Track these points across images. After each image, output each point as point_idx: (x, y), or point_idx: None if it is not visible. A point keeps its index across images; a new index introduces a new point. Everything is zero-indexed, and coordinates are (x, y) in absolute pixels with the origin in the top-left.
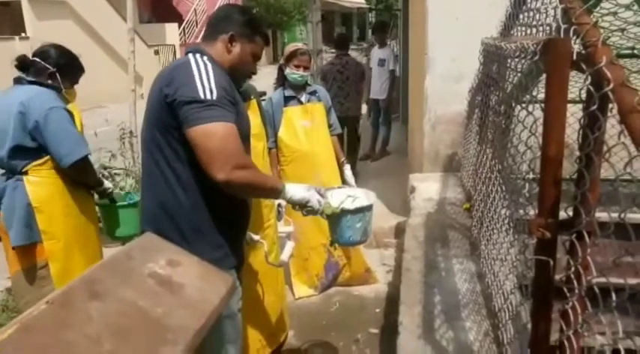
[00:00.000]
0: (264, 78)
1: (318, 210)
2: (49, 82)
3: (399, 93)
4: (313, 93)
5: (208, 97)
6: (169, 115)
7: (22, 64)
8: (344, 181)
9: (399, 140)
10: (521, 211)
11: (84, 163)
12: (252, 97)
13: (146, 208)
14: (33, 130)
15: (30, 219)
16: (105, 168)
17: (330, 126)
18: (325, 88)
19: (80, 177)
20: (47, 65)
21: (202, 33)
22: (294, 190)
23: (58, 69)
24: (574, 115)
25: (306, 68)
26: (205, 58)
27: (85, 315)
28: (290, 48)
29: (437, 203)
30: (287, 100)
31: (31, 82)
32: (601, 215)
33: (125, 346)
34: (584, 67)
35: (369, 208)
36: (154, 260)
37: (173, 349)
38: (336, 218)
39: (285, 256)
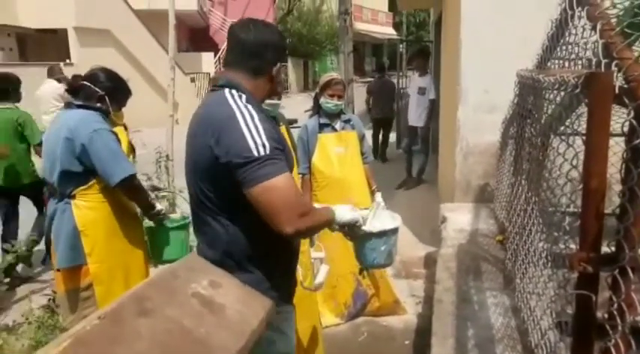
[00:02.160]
0: (295, 106)
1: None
2: (98, 105)
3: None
4: (347, 121)
5: (262, 152)
6: (224, 173)
7: (72, 87)
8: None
9: (431, 169)
10: (561, 245)
11: (132, 182)
12: (281, 124)
13: (210, 259)
14: (80, 154)
15: (76, 242)
16: (154, 189)
17: (363, 154)
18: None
19: (131, 197)
20: (97, 89)
21: (231, 56)
22: (341, 213)
23: (106, 92)
24: (611, 148)
25: (340, 97)
26: (244, 98)
27: (134, 331)
28: (325, 78)
29: (469, 234)
30: (322, 127)
31: (79, 106)
32: None
33: None
34: (626, 101)
35: (393, 231)
36: (198, 281)
37: None
38: (359, 241)
39: (320, 278)
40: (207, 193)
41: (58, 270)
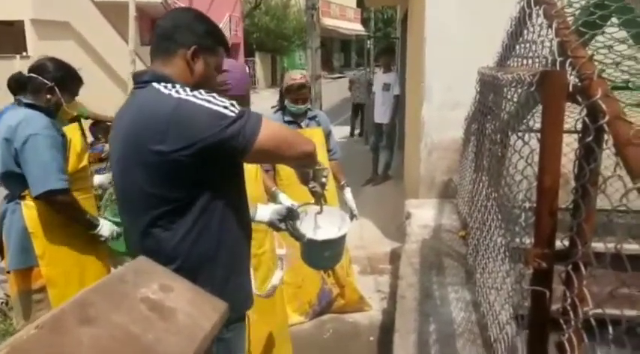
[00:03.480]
0: (262, 101)
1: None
2: (48, 96)
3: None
4: (313, 118)
5: (235, 110)
6: (182, 171)
7: (18, 82)
8: (345, 204)
9: (397, 165)
10: (517, 240)
11: (54, 197)
12: None
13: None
14: (16, 157)
15: (26, 243)
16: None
17: (329, 151)
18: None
19: (56, 212)
20: (44, 80)
21: (152, 46)
22: (260, 214)
23: (56, 83)
24: (569, 144)
25: (305, 101)
26: (178, 86)
27: (76, 340)
28: (288, 81)
29: (432, 230)
30: (286, 124)
31: (26, 105)
32: (597, 245)
33: None
34: (579, 99)
35: (338, 240)
36: (147, 285)
37: None
38: (304, 246)
39: (274, 281)
40: (160, 200)
41: (8, 272)
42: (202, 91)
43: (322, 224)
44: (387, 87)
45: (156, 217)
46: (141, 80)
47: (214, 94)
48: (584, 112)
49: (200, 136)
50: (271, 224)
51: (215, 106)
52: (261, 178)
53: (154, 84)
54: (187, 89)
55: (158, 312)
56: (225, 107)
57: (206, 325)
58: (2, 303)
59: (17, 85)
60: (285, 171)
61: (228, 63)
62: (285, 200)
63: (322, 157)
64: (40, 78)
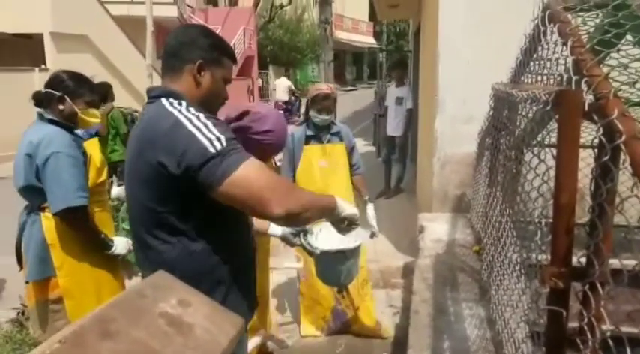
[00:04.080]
0: None
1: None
2: (60, 107)
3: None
4: (336, 134)
5: (219, 147)
6: (177, 187)
7: (37, 99)
8: (366, 220)
9: (410, 179)
10: (533, 257)
11: (71, 215)
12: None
13: None
14: (37, 172)
15: (45, 254)
16: None
17: (352, 166)
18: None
19: (72, 230)
20: (54, 91)
21: (162, 63)
22: (344, 204)
23: (66, 92)
24: (583, 159)
25: (329, 112)
26: (184, 104)
27: None
28: (312, 91)
29: (446, 244)
30: (308, 139)
31: (49, 121)
32: (613, 262)
33: None
34: (595, 117)
35: (352, 251)
36: (166, 299)
37: None
38: (317, 258)
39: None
40: (157, 213)
41: (27, 282)
42: (201, 115)
43: (336, 238)
44: (399, 100)
45: (153, 229)
46: (151, 95)
47: (210, 123)
48: (601, 131)
49: (184, 160)
50: (284, 238)
51: (203, 137)
52: None
53: (162, 99)
54: (191, 110)
55: (176, 327)
56: (211, 141)
57: (223, 340)
58: (19, 313)
59: (37, 100)
60: (304, 186)
61: (271, 121)
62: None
63: (342, 175)
64: (50, 90)
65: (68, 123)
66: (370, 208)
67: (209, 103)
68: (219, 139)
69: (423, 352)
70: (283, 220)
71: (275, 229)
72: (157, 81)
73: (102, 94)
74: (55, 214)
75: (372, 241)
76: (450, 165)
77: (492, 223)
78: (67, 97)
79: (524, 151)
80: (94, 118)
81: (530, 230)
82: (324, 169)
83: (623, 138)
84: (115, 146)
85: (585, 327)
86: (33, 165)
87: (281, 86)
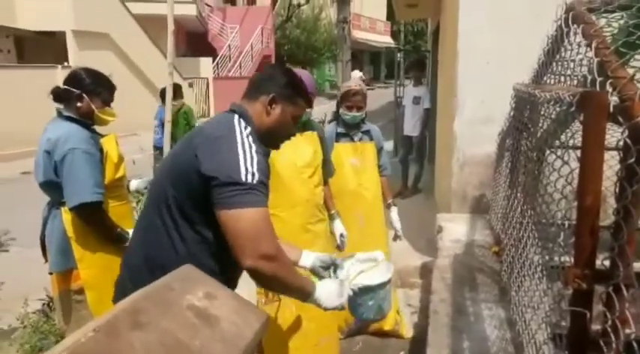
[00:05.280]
0: None
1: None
2: (78, 105)
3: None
4: (366, 132)
5: (249, 180)
6: (200, 185)
7: (56, 95)
8: (389, 223)
9: (427, 179)
10: (556, 259)
11: (86, 210)
12: (314, 130)
13: (135, 265)
14: (55, 169)
15: (66, 247)
16: None
17: (379, 166)
18: None
19: (87, 224)
20: (73, 89)
21: (246, 89)
22: (326, 296)
23: (84, 90)
24: (606, 162)
25: (359, 108)
26: (248, 130)
27: (129, 344)
28: (343, 88)
29: (465, 245)
30: (339, 136)
31: (67, 118)
32: (638, 265)
33: None
34: (620, 119)
35: (381, 285)
36: (193, 292)
37: None
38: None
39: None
40: (173, 201)
41: (51, 273)
42: (254, 147)
43: (369, 273)
44: (417, 100)
45: (163, 208)
46: (230, 108)
47: (256, 158)
48: (626, 132)
49: (215, 169)
50: (314, 271)
51: (243, 164)
52: (317, 184)
53: (235, 116)
54: (250, 138)
55: (204, 319)
56: (246, 172)
57: (248, 333)
58: (45, 304)
59: (55, 96)
60: (335, 184)
61: (298, 71)
62: (339, 227)
63: (373, 173)
64: (69, 88)
65: (85, 120)
66: (394, 212)
67: (273, 134)
68: (253, 175)
69: (442, 351)
70: (251, 274)
71: (305, 261)
72: (177, 79)
73: (174, 92)
74: (70, 209)
75: (390, 240)
76: (469, 166)
77: (513, 224)
78: (85, 96)
79: (547, 152)
80: (110, 116)
81: (552, 232)
82: (356, 167)
83: None
84: (182, 135)
85: (609, 329)
86: (51, 161)
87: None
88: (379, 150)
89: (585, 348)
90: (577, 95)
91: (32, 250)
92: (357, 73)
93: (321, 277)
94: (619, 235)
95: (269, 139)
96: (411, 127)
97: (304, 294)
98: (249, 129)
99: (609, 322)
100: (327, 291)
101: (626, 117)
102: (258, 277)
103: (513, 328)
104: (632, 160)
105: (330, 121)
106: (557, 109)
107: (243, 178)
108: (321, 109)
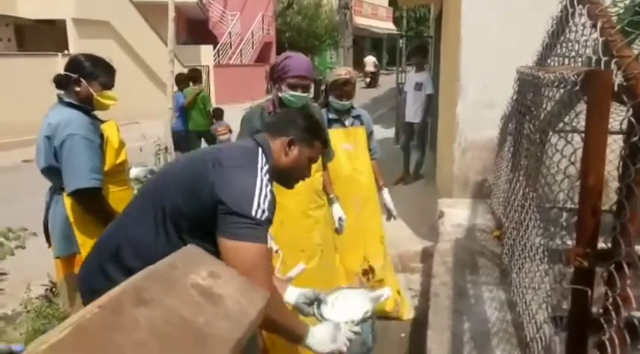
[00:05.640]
0: None
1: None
2: (77, 89)
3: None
4: (357, 117)
5: (258, 216)
6: (207, 203)
7: (57, 82)
8: (383, 205)
9: (429, 165)
10: (558, 241)
11: (84, 196)
12: (313, 114)
13: (106, 246)
14: (55, 154)
15: (69, 232)
16: (153, 173)
17: (370, 150)
18: None
19: (86, 211)
20: (70, 73)
21: (269, 126)
22: (319, 341)
23: (82, 75)
24: (609, 146)
25: (349, 97)
26: (267, 167)
27: (134, 321)
28: (333, 77)
29: (466, 229)
30: (330, 122)
31: (67, 104)
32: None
33: (170, 351)
34: (625, 98)
35: (363, 321)
36: (196, 271)
37: None
38: None
39: (291, 273)
40: (172, 206)
41: (56, 258)
42: (270, 186)
43: (352, 307)
44: (418, 86)
45: (157, 216)
46: (255, 137)
47: (269, 197)
48: (630, 111)
49: (226, 196)
50: (297, 307)
51: (256, 199)
52: (320, 175)
53: (260, 149)
54: (267, 176)
55: (207, 297)
56: (257, 207)
57: (252, 311)
58: (47, 290)
59: (58, 83)
60: (330, 170)
61: (290, 53)
62: (338, 211)
63: (366, 158)
64: (67, 73)
65: (85, 105)
66: (386, 193)
67: (288, 174)
68: (263, 212)
69: (443, 333)
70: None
71: (289, 297)
72: (178, 67)
73: (195, 77)
74: (68, 195)
75: (391, 226)
76: (472, 151)
77: (515, 207)
78: (83, 80)
79: (550, 134)
80: (110, 100)
81: (554, 214)
82: (350, 152)
83: None
84: (201, 119)
85: (610, 307)
86: (51, 147)
87: None
88: (369, 134)
89: (586, 328)
90: (582, 74)
91: (35, 238)
92: (371, 59)
93: (305, 314)
94: (621, 213)
95: (283, 179)
96: (413, 113)
97: (296, 337)
98: (267, 166)
99: (610, 300)
100: (320, 336)
101: (631, 96)
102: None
103: (514, 310)
104: (636, 138)
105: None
106: (561, 90)
107: (253, 213)
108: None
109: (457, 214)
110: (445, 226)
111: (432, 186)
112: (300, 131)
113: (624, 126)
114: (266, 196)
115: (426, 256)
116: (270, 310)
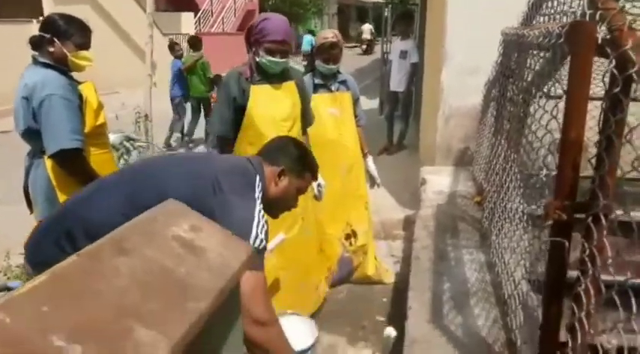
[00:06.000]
0: None
1: None
2: (50, 49)
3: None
4: (343, 82)
5: (256, 245)
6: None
7: (32, 43)
8: (367, 172)
9: (412, 135)
10: (535, 206)
11: (66, 157)
12: (293, 79)
13: (73, 213)
14: (33, 115)
15: (51, 194)
16: (129, 139)
17: (355, 116)
18: None
19: (68, 173)
20: (43, 34)
21: (265, 150)
22: None
23: (55, 34)
24: (589, 112)
25: (335, 61)
26: (261, 196)
27: (114, 268)
28: (319, 40)
29: (448, 196)
30: (316, 87)
31: (43, 64)
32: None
33: (151, 299)
34: (608, 51)
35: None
36: (178, 224)
37: (197, 305)
38: None
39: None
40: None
41: (39, 222)
42: (264, 217)
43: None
44: (403, 54)
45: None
46: (252, 159)
47: (265, 226)
48: (613, 63)
49: (227, 224)
50: None
51: (255, 229)
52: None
53: (257, 177)
54: (261, 206)
55: (189, 249)
56: (256, 237)
57: (235, 263)
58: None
59: (33, 45)
60: (315, 135)
61: (268, 14)
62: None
63: (352, 123)
64: (42, 34)
65: (61, 66)
66: (370, 161)
67: (274, 204)
68: (261, 241)
69: (424, 293)
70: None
71: None
72: (157, 35)
73: (194, 44)
74: (49, 157)
75: (374, 194)
76: (455, 118)
77: (496, 170)
78: (57, 39)
79: (534, 91)
80: (85, 60)
81: (535, 172)
82: (336, 118)
83: (637, 68)
84: (201, 85)
85: (586, 258)
86: (29, 108)
87: None
88: (355, 100)
89: (562, 284)
90: (566, 26)
91: (14, 207)
92: (367, 26)
93: None
94: (601, 165)
95: (269, 207)
96: (397, 82)
97: None
98: (261, 194)
99: (587, 252)
100: None
101: (614, 47)
102: (247, 342)
103: (493, 271)
104: (617, 89)
105: (305, 73)
106: (545, 54)
107: (252, 242)
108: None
109: (439, 181)
110: (427, 193)
111: (416, 156)
112: (292, 162)
113: (606, 79)
114: (263, 225)
115: (408, 223)
116: (270, 341)
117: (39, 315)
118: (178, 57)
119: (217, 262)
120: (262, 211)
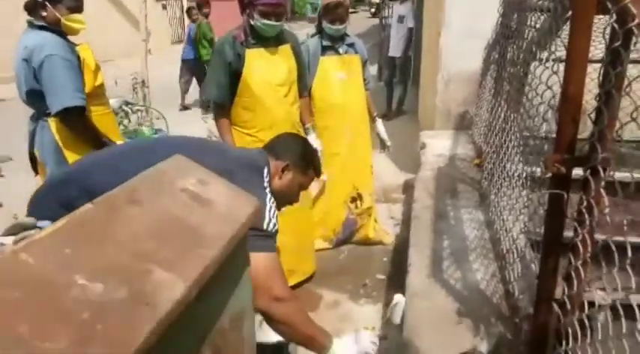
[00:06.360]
0: None
1: None
2: (43, 14)
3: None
4: (351, 45)
5: (269, 228)
6: None
7: (27, 8)
8: (377, 135)
9: (411, 101)
10: (535, 167)
11: (70, 115)
12: (288, 42)
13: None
14: (36, 77)
15: (60, 156)
16: (127, 104)
17: (364, 80)
18: None
19: (73, 132)
20: None
21: (272, 143)
22: (344, 347)
23: None
24: (589, 74)
25: (342, 21)
26: (269, 188)
27: (127, 217)
28: (323, 1)
29: (447, 159)
30: (324, 49)
31: (40, 27)
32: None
33: (165, 245)
34: (609, 5)
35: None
36: (185, 178)
37: (209, 251)
38: None
39: (313, 185)
40: None
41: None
42: (274, 202)
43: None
44: (401, 19)
45: None
46: (260, 154)
47: (275, 210)
48: (614, 17)
49: None
50: None
51: (267, 211)
52: (294, 101)
53: (265, 169)
54: (273, 198)
55: (198, 200)
56: (269, 221)
57: (242, 215)
58: None
59: (27, 10)
60: (322, 99)
61: None
62: (313, 141)
63: (360, 87)
64: None
65: (56, 29)
66: (379, 123)
67: (278, 197)
68: (274, 225)
69: (424, 250)
70: (263, 315)
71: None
72: (150, 3)
73: (200, 7)
74: (54, 116)
75: (374, 159)
76: (454, 82)
77: (496, 131)
78: (48, 3)
79: (534, 49)
80: (78, 24)
81: (534, 135)
82: (344, 81)
83: (637, 21)
84: (203, 49)
85: (584, 210)
86: (30, 69)
87: None
88: (364, 63)
89: (560, 240)
90: None
91: (20, 174)
92: None
93: None
94: (599, 119)
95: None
96: (395, 46)
97: (318, 345)
98: (269, 188)
99: (585, 204)
100: (344, 346)
101: (615, 1)
102: (271, 319)
103: (491, 228)
104: (618, 43)
105: (312, 35)
106: (547, 3)
107: (265, 226)
108: (303, 33)
109: (439, 144)
110: (427, 156)
111: (415, 121)
112: (297, 158)
113: (607, 36)
114: (274, 210)
115: (408, 187)
116: (291, 316)
117: (61, 256)
118: (194, 21)
119: (225, 212)
120: (272, 198)
